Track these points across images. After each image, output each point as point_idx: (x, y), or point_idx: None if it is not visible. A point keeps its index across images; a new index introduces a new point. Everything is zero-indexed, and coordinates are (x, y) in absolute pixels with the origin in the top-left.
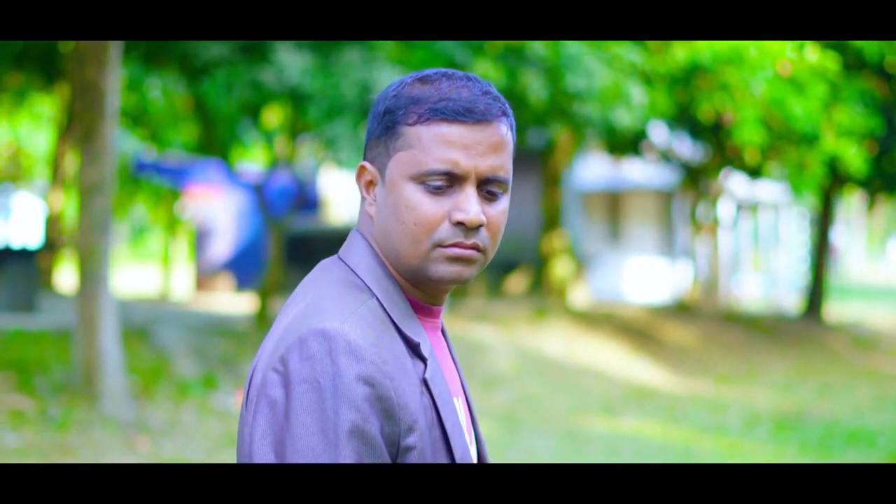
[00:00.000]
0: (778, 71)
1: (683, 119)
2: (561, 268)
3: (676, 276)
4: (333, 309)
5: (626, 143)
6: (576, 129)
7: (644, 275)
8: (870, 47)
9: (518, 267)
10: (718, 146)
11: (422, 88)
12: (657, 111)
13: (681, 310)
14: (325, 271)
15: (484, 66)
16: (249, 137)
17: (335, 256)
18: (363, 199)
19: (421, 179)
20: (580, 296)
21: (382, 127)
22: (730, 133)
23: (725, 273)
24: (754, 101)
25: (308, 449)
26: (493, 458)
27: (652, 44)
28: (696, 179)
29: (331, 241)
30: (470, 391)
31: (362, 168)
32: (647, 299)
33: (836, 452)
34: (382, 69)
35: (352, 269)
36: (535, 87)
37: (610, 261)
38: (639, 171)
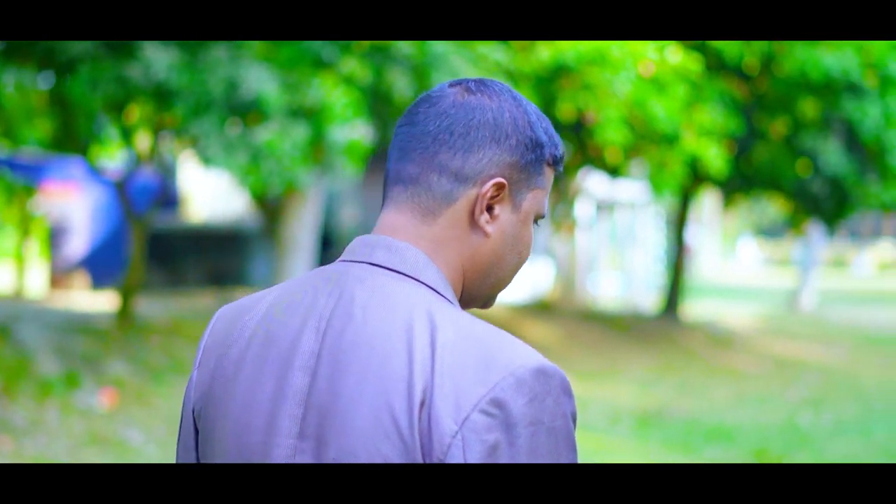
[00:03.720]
0: (640, 72)
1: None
2: None
3: (536, 276)
4: (514, 341)
5: None
6: None
7: None
8: (729, 48)
9: None
10: (580, 146)
11: (545, 124)
12: None
13: (541, 308)
14: (405, 292)
15: (350, 64)
16: (110, 134)
17: (383, 268)
18: (479, 213)
19: (536, 219)
20: None
21: (532, 156)
22: (592, 133)
23: (583, 272)
24: (617, 102)
25: None
26: None
27: (516, 43)
28: (556, 179)
29: (191, 239)
30: None
31: (501, 186)
32: (508, 298)
33: (698, 449)
34: (250, 67)
35: (432, 289)
36: (400, 86)
37: None
38: None
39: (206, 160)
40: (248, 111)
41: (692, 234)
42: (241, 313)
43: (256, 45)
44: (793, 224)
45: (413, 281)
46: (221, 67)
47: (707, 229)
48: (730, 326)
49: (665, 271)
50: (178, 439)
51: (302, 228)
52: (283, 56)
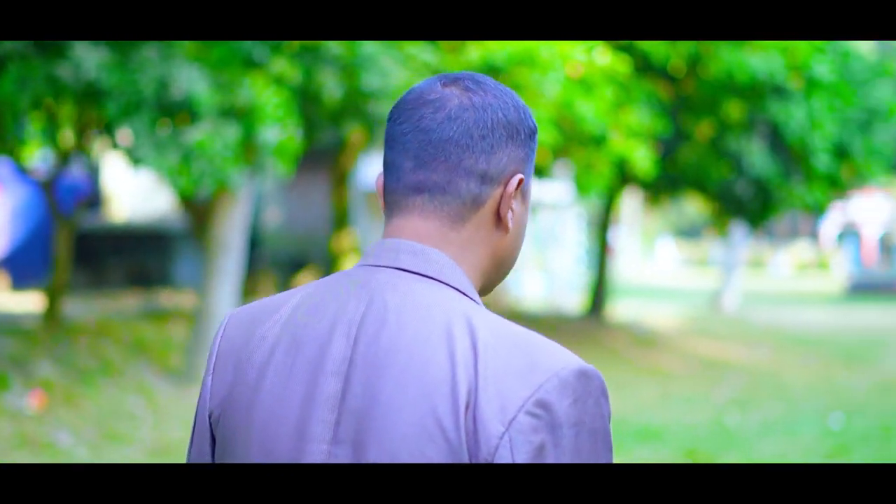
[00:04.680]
0: (569, 73)
1: None
2: (349, 266)
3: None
4: (552, 343)
5: None
6: (370, 129)
7: None
8: (656, 50)
9: (307, 265)
10: None
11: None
12: None
13: None
14: (438, 296)
15: (280, 64)
16: (36, 133)
17: (410, 272)
18: (505, 211)
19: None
20: None
21: (533, 144)
22: None
23: None
24: (546, 102)
25: None
26: None
27: (446, 44)
28: None
29: (114, 239)
30: None
31: (521, 181)
32: None
33: (628, 450)
34: (180, 66)
35: (461, 292)
36: (330, 86)
37: None
38: None
39: (136, 160)
40: (179, 111)
41: (614, 235)
42: (259, 318)
43: (187, 45)
44: (716, 225)
45: (442, 285)
46: (152, 67)
47: (627, 230)
48: (654, 327)
49: (588, 272)
50: (191, 445)
51: (232, 229)
52: (214, 56)
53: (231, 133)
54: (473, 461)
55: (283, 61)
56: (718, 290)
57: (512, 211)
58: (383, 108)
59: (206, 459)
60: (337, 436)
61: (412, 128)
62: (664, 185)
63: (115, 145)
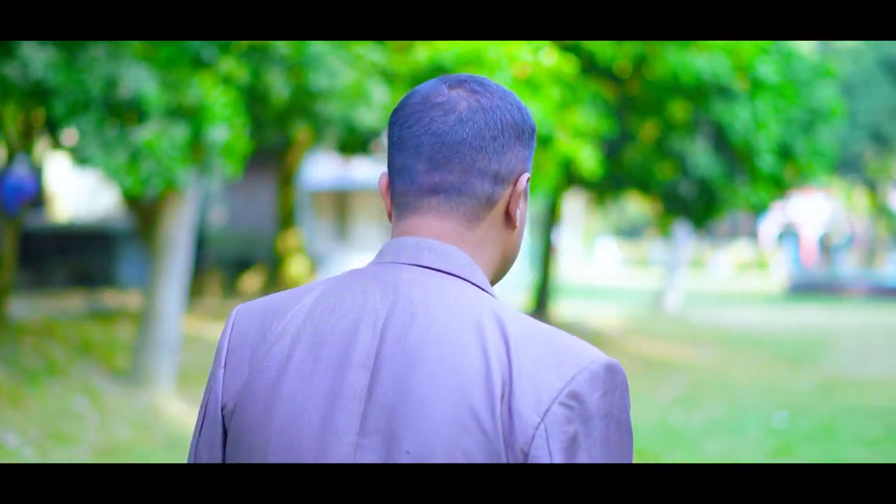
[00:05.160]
0: (515, 73)
1: None
2: (295, 266)
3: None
4: (577, 339)
5: (357, 143)
6: (317, 129)
7: None
8: (602, 50)
9: (253, 265)
10: None
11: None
12: None
13: None
14: (463, 292)
15: (228, 64)
16: None
17: (432, 269)
18: (514, 209)
19: None
20: None
21: (534, 142)
22: None
23: None
24: None
25: None
26: None
27: (393, 44)
28: None
29: (57, 239)
30: None
31: (528, 178)
32: None
33: None
34: (129, 66)
35: (482, 288)
36: (278, 86)
37: (338, 259)
38: (366, 171)
39: (83, 160)
40: (127, 110)
41: (557, 235)
42: (273, 313)
43: (135, 45)
44: (659, 225)
45: (464, 282)
46: (100, 66)
47: (569, 230)
48: (597, 327)
49: (532, 272)
50: (199, 438)
51: (179, 229)
52: (162, 55)
53: (179, 132)
54: (509, 451)
55: (230, 61)
56: (661, 290)
57: (518, 209)
58: (331, 108)
59: (216, 452)
60: (364, 428)
61: (423, 130)
62: (609, 185)
63: (58, 145)
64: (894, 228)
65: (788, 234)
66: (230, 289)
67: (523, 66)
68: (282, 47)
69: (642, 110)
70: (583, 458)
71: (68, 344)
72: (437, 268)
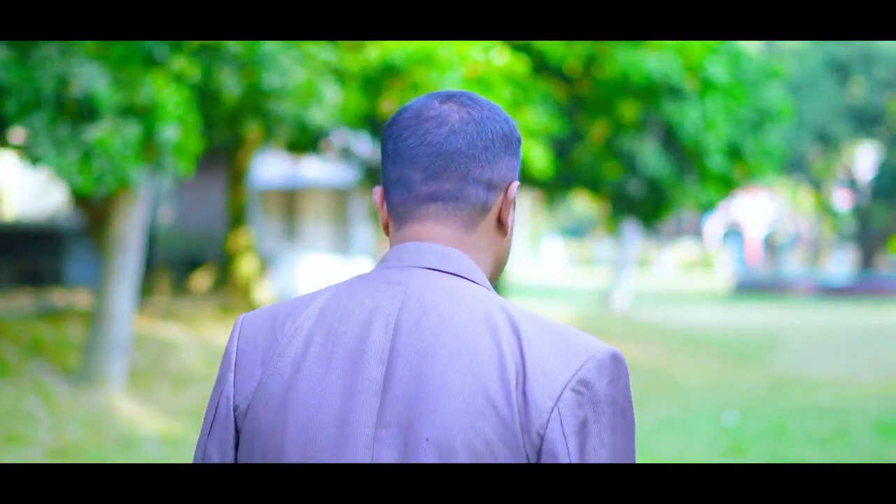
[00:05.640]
0: (466, 72)
1: (365, 117)
2: (246, 265)
3: (352, 273)
4: (581, 331)
5: (306, 142)
6: (269, 127)
7: (320, 272)
8: (553, 50)
9: (203, 264)
10: None
11: None
12: (349, 110)
13: None
14: (469, 291)
15: (180, 63)
16: None
17: (438, 271)
18: (506, 215)
19: None
20: (264, 293)
21: (520, 153)
22: None
23: None
24: None
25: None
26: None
27: (345, 43)
28: (375, 178)
29: (6, 238)
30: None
31: (517, 185)
32: None
33: None
34: (81, 64)
35: (487, 290)
36: (230, 85)
37: (287, 258)
38: (315, 170)
39: (35, 159)
40: (80, 109)
41: None
42: (283, 316)
43: (88, 43)
44: (607, 224)
45: (469, 281)
46: (52, 65)
47: (516, 229)
48: None
49: None
50: (209, 439)
51: (130, 228)
52: (114, 54)
53: (131, 131)
54: (525, 434)
55: (182, 60)
56: (609, 289)
57: (509, 216)
58: (283, 107)
59: (229, 453)
60: (381, 420)
61: (418, 142)
62: (558, 184)
63: (6, 143)
64: (839, 228)
65: (733, 233)
66: (180, 288)
67: (474, 65)
68: (233, 46)
69: (592, 110)
70: (593, 441)
71: (18, 344)
72: (442, 269)
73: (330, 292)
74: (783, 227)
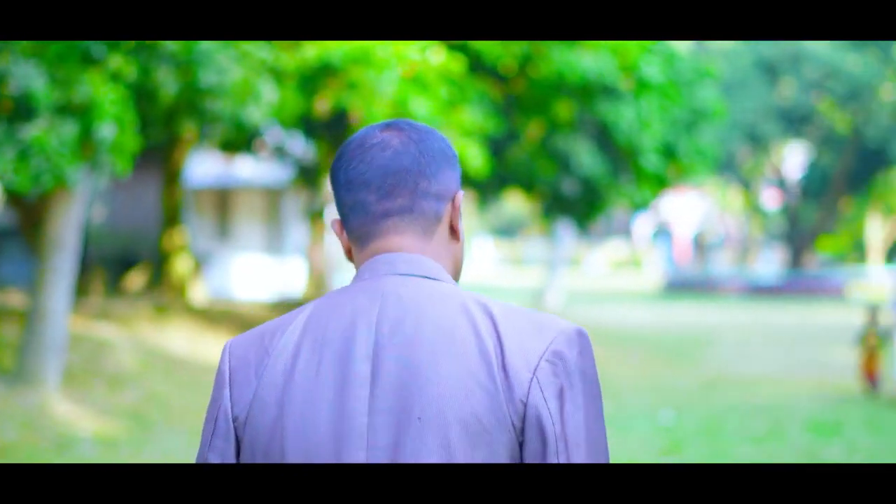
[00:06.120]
0: (403, 72)
1: (300, 117)
2: (180, 265)
3: (289, 274)
4: (546, 313)
5: (240, 141)
6: (205, 126)
7: (252, 272)
8: (489, 50)
9: (137, 264)
10: (337, 145)
11: None
12: (286, 109)
13: (294, 307)
14: (442, 288)
15: (117, 61)
16: None
17: (411, 276)
18: (457, 222)
19: None
20: (198, 293)
21: (459, 167)
22: (355, 131)
23: (333, 271)
24: (381, 101)
25: (600, 428)
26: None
27: (282, 42)
28: (309, 177)
29: None
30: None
31: (462, 195)
32: (256, 296)
33: None
34: (18, 62)
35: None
36: (166, 83)
37: (221, 258)
38: (248, 169)
39: None
40: (16, 107)
41: None
42: (270, 333)
43: (24, 42)
44: (541, 223)
45: (439, 282)
46: None
47: None
48: None
49: None
50: (210, 450)
51: (66, 227)
52: (51, 52)
53: (68, 130)
54: (509, 404)
55: (119, 58)
56: (542, 289)
57: (459, 223)
58: (220, 106)
59: (231, 461)
60: (373, 409)
61: (367, 167)
62: (492, 184)
63: None
64: (768, 227)
65: (662, 232)
66: (114, 288)
67: (411, 64)
68: (170, 45)
69: (528, 109)
70: (569, 405)
71: None
72: (414, 273)
73: (312, 306)
74: (712, 226)
